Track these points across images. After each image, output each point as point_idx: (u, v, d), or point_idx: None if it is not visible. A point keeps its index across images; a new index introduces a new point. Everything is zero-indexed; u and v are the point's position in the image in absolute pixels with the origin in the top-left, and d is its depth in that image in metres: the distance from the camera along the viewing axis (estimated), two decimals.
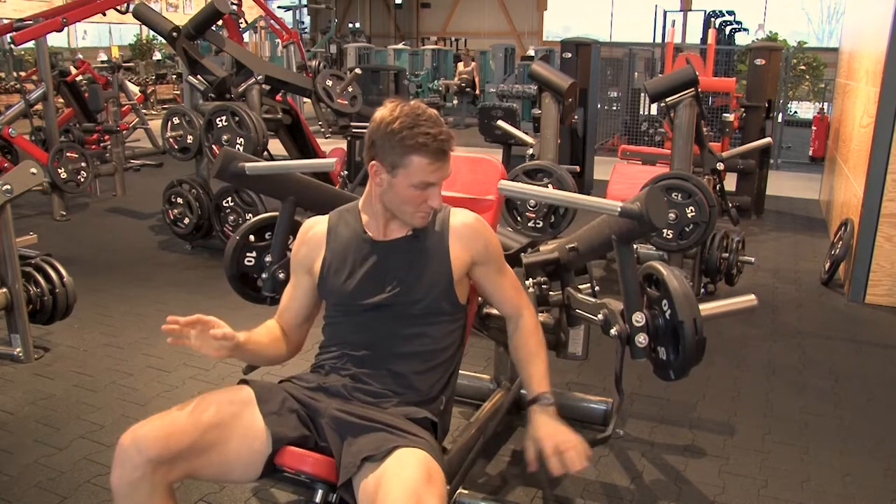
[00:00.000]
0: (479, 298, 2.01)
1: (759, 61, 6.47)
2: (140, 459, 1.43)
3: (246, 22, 10.42)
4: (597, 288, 2.33)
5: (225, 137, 4.55)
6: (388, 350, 1.70)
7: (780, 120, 9.21)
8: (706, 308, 1.91)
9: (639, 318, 1.86)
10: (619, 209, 1.69)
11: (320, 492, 1.57)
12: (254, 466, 1.56)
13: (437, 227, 1.75)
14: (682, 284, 1.80)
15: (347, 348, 1.73)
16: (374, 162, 1.65)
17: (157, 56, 17.35)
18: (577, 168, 5.35)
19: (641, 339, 1.86)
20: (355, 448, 1.52)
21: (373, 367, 1.70)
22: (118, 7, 5.62)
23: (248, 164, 2.09)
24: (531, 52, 13.97)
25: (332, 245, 1.77)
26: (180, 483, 2.31)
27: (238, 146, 4.54)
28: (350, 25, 19.82)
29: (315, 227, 1.82)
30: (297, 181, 2.28)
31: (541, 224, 3.90)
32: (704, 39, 11.33)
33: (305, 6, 16.41)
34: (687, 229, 3.65)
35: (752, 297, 2.06)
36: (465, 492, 2.10)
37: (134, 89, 10.01)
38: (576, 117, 5.17)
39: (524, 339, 1.82)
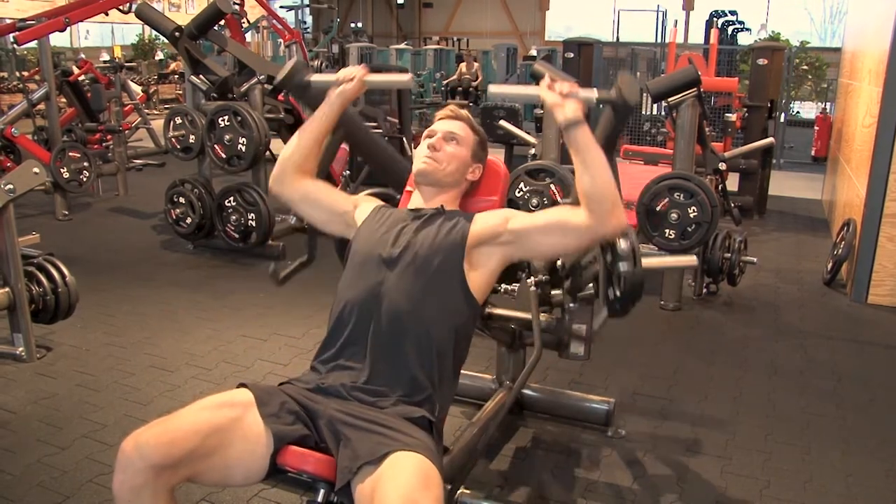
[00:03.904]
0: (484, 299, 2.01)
1: (761, 61, 6.47)
2: (143, 465, 1.43)
3: (248, 22, 10.44)
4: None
5: (227, 137, 4.56)
6: (391, 330, 1.71)
7: (782, 120, 9.20)
8: (650, 260, 2.16)
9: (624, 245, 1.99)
10: (595, 97, 1.81)
11: (322, 491, 1.57)
12: (255, 469, 1.57)
13: (463, 216, 1.89)
14: (630, 250, 1.98)
15: (351, 330, 1.74)
16: None
17: (160, 56, 17.39)
18: None
19: (624, 246, 1.96)
20: (352, 452, 1.51)
21: (374, 351, 1.71)
22: (120, 7, 5.62)
23: (313, 77, 2.10)
24: (533, 52, 13.96)
25: (376, 213, 1.96)
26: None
27: (240, 146, 4.55)
28: (352, 25, 19.83)
29: (374, 200, 2.06)
30: (353, 116, 2.31)
31: None
32: (707, 39, 11.34)
33: (308, 6, 16.43)
34: (689, 229, 3.65)
35: (693, 257, 2.45)
36: (467, 492, 2.10)
37: (136, 89, 10.03)
38: None
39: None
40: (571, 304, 2.26)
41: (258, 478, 1.59)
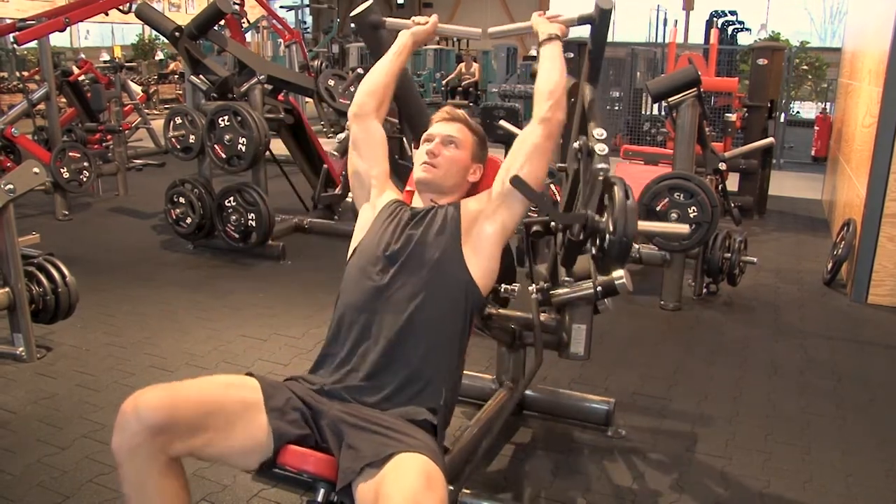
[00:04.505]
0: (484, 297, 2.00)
1: (761, 61, 6.47)
2: (139, 427, 1.43)
3: (248, 22, 10.44)
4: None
5: (227, 137, 4.56)
6: (394, 328, 1.71)
7: (782, 120, 9.20)
8: (642, 224, 2.18)
9: (600, 131, 2.06)
10: (576, 16, 2.08)
11: (322, 491, 1.57)
12: (253, 457, 1.57)
13: (452, 207, 1.93)
14: (625, 195, 1.92)
15: (354, 328, 1.74)
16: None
17: (160, 56, 17.38)
18: None
19: (601, 147, 2.00)
20: (354, 452, 1.52)
21: (378, 348, 1.71)
22: (120, 7, 5.62)
23: (388, 20, 2.27)
24: (533, 52, 13.96)
25: (391, 207, 1.97)
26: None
27: (240, 146, 4.55)
28: (352, 25, 19.80)
29: (394, 192, 2.07)
30: (408, 76, 2.39)
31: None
32: (707, 39, 11.33)
33: (307, 6, 16.42)
34: (689, 229, 3.65)
35: (686, 227, 2.52)
36: (468, 492, 2.10)
37: (136, 89, 10.02)
38: None
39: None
40: (566, 278, 2.24)
41: (254, 466, 1.59)
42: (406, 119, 2.59)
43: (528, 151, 1.90)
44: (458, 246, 1.82)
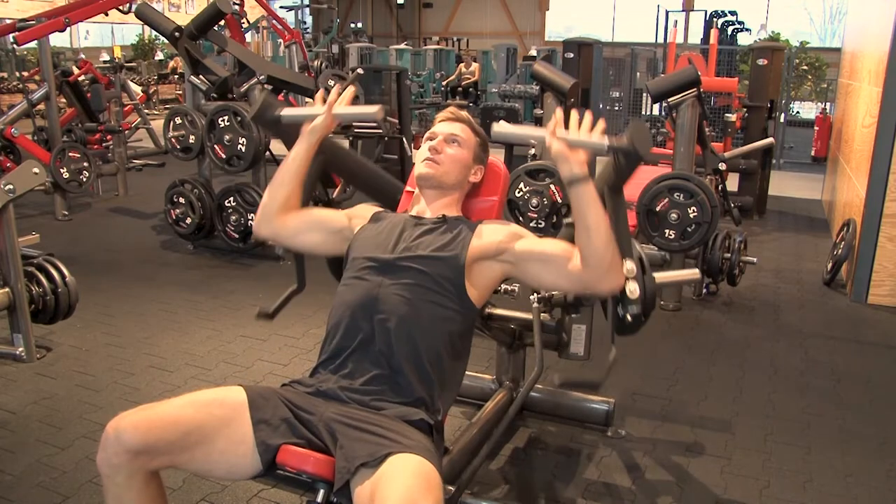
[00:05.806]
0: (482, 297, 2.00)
1: (761, 61, 6.47)
2: (118, 448, 1.47)
3: (248, 22, 10.44)
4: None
5: (227, 137, 4.56)
6: (388, 335, 1.71)
7: (782, 120, 9.21)
8: (660, 277, 2.16)
9: (630, 267, 1.86)
10: (606, 145, 1.67)
11: (322, 491, 1.57)
12: (238, 469, 1.59)
13: (467, 225, 1.89)
14: (638, 252, 1.91)
15: (348, 334, 1.74)
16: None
17: (160, 56, 17.39)
18: None
19: (633, 288, 1.86)
20: (350, 453, 1.52)
21: (371, 355, 1.71)
22: (120, 7, 5.62)
23: (284, 112, 2.00)
24: (533, 52, 13.97)
25: (375, 219, 1.96)
26: (183, 482, 2.32)
27: (240, 146, 4.55)
28: (352, 25, 19.80)
29: (369, 208, 2.05)
30: (331, 142, 2.21)
31: (543, 224, 3.90)
32: (706, 39, 11.34)
33: (307, 6, 16.44)
34: (689, 229, 3.66)
35: (696, 270, 2.48)
36: (468, 492, 2.10)
37: (136, 89, 10.02)
38: None
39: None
40: (573, 314, 2.24)
41: (243, 476, 1.61)
42: (370, 194, 2.35)
43: (555, 261, 1.73)
44: (460, 270, 1.79)
